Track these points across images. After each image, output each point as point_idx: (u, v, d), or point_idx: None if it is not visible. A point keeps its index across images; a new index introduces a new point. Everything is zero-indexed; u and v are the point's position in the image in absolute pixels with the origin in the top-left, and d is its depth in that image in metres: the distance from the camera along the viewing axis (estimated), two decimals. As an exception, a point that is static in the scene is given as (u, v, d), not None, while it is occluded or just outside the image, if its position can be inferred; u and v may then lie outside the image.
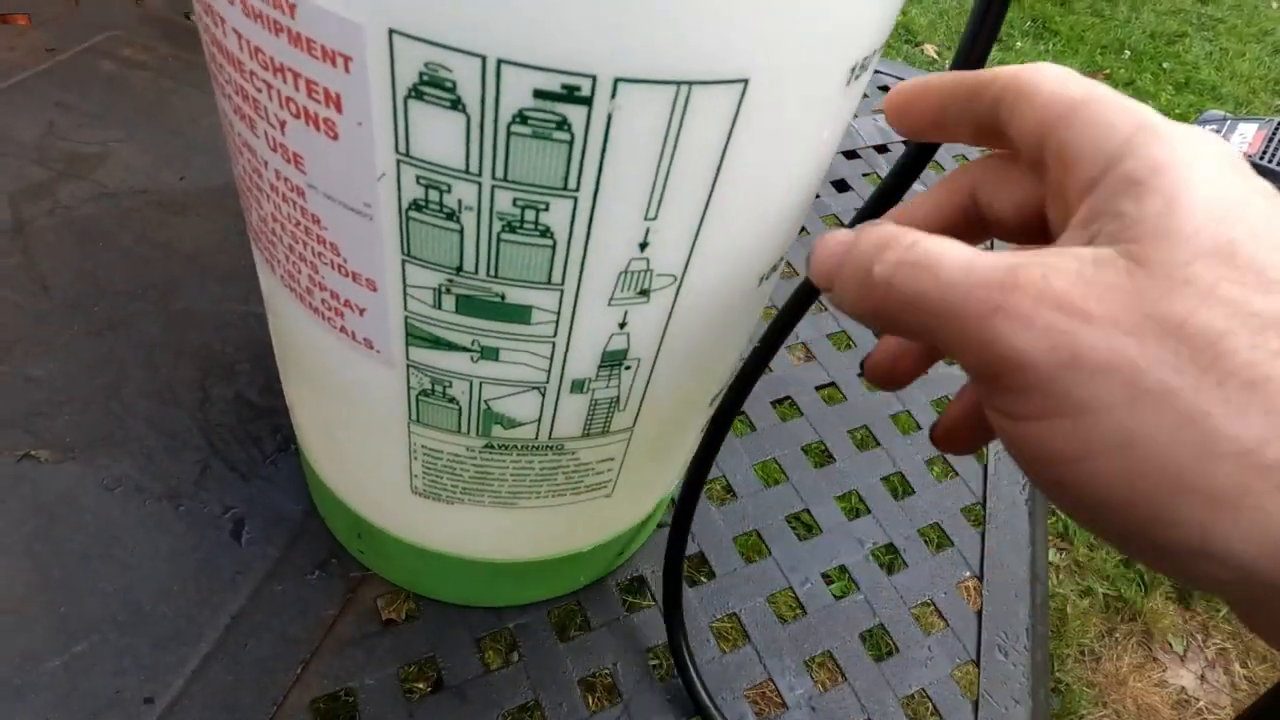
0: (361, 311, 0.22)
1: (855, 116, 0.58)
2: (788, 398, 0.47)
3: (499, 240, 0.19)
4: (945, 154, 0.67)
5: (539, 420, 0.24)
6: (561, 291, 0.20)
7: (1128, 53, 2.38)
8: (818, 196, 0.60)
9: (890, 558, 0.42)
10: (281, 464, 0.38)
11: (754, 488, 0.43)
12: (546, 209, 0.18)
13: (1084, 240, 0.14)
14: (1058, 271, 0.13)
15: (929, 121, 0.18)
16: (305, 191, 0.20)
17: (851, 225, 0.21)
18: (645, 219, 0.19)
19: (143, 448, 0.38)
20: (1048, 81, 0.16)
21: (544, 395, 0.23)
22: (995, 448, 0.48)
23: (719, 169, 0.18)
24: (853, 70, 0.19)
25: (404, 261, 0.20)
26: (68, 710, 0.30)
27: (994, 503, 0.45)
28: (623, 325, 0.22)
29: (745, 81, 0.16)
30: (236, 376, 0.41)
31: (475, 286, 0.20)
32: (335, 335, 0.23)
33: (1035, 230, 0.17)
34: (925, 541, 0.42)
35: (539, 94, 0.16)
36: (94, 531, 0.35)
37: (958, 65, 0.18)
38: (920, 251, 0.15)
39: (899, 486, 0.45)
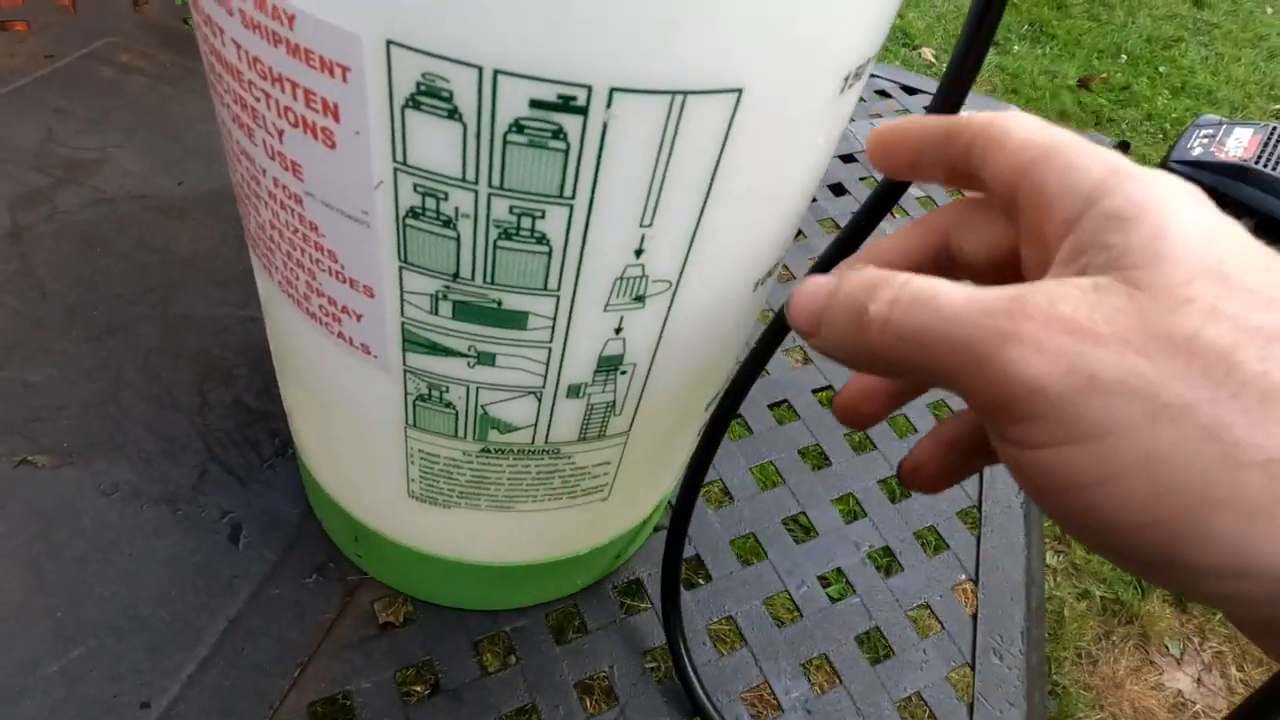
0: (359, 317, 0.22)
1: (851, 121, 0.58)
2: (784, 401, 0.48)
3: (495, 247, 0.19)
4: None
5: (535, 425, 0.24)
6: (558, 297, 0.20)
7: (1124, 57, 2.39)
8: (814, 201, 0.60)
9: (886, 560, 0.42)
10: (279, 468, 0.39)
11: (751, 491, 0.43)
12: (543, 216, 0.18)
13: (1074, 273, 0.14)
14: (1062, 297, 0.14)
15: (907, 163, 0.19)
16: (303, 199, 0.20)
17: (817, 268, 0.22)
18: (640, 226, 0.19)
19: (140, 452, 0.38)
20: (1019, 129, 0.16)
21: (540, 400, 0.23)
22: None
23: (713, 177, 0.18)
24: (847, 78, 0.19)
25: (401, 268, 0.20)
26: (65, 715, 0.30)
27: (989, 506, 0.45)
28: (618, 331, 0.22)
29: (739, 91, 0.17)
30: (234, 381, 0.41)
31: (472, 293, 0.20)
32: (333, 341, 0.23)
33: (1006, 272, 0.18)
34: (921, 544, 0.43)
35: (535, 104, 0.16)
36: (91, 536, 0.35)
37: (953, 69, 0.18)
38: (915, 288, 0.15)
39: (895, 490, 0.45)
